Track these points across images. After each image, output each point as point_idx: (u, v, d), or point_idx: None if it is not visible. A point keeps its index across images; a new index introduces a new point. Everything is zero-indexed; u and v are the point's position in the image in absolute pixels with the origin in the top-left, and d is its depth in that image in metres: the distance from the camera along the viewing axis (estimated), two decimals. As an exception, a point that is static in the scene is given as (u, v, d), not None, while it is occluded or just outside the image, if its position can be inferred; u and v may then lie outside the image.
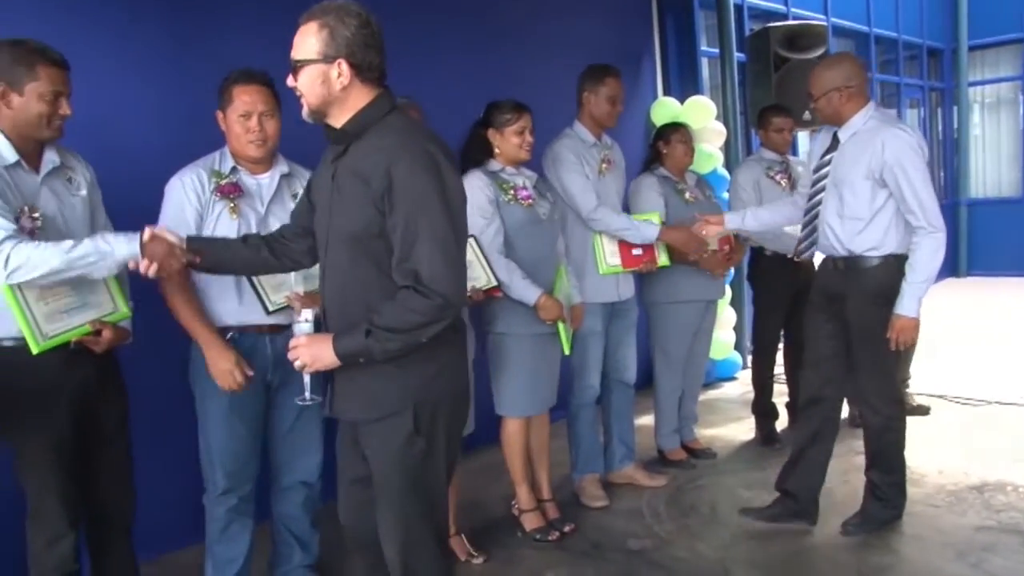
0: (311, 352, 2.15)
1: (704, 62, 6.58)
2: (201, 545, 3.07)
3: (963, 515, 3.66)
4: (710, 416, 5.25)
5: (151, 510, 2.92)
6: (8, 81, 2.41)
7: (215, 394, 2.81)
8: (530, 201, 3.52)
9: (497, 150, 3.51)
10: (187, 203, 2.80)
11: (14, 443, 2.50)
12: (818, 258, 3.60)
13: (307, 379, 2.28)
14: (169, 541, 3.44)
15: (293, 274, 2.77)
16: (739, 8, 7.10)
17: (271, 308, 2.81)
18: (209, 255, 2.44)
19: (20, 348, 2.41)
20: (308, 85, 2.11)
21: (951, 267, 10.79)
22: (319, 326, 2.24)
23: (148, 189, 2.88)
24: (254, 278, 2.78)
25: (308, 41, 2.09)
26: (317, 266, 2.89)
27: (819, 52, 5.45)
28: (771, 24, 5.59)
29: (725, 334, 5.98)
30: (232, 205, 2.84)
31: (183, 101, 3.47)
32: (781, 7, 7.94)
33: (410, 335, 2.05)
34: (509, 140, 3.47)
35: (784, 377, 4.91)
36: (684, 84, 6.26)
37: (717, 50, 6.44)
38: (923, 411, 5.11)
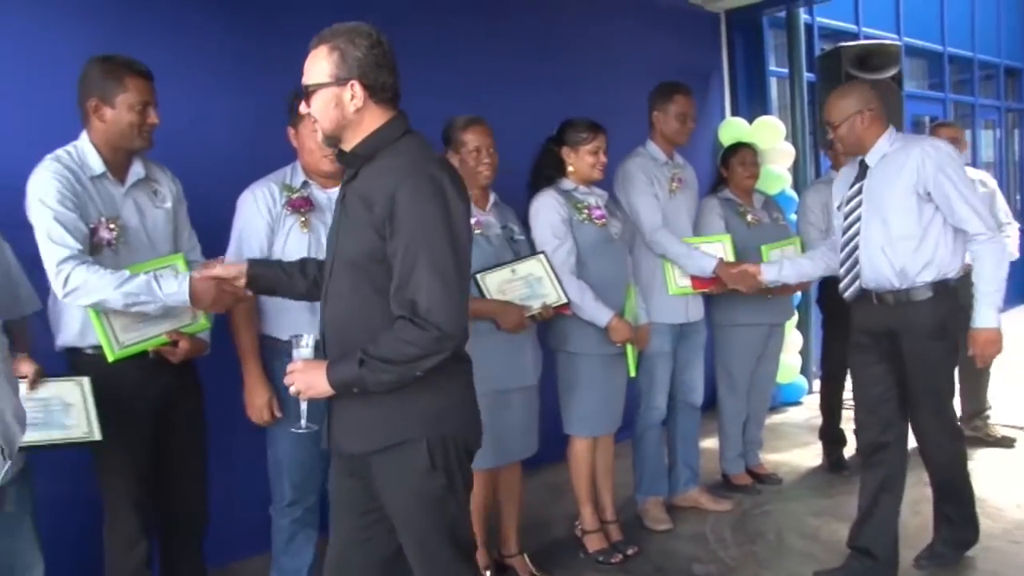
0: (305, 379, 2.08)
1: (772, 82, 6.53)
2: (266, 555, 3.11)
3: (1044, 552, 3.53)
4: (775, 441, 5.17)
5: (219, 520, 2.95)
6: (100, 95, 2.53)
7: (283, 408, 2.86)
8: (603, 220, 3.51)
9: (570, 168, 3.52)
10: (259, 216, 2.85)
11: (94, 450, 2.56)
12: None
13: (304, 406, 2.19)
14: (235, 551, 3.47)
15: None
16: (809, 28, 7.01)
17: None
18: (264, 281, 2.37)
19: (100, 357, 2.49)
20: (322, 109, 2.08)
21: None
22: (319, 352, 2.17)
23: (222, 202, 2.95)
24: None
25: (319, 65, 2.06)
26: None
27: (892, 72, 5.35)
28: (843, 44, 5.50)
29: (791, 358, 5.89)
30: (303, 219, 2.89)
31: (253, 115, 3.53)
32: (852, 26, 7.84)
33: (405, 367, 1.98)
34: (583, 159, 3.48)
35: (852, 403, 4.79)
36: (752, 104, 6.21)
37: (786, 70, 6.38)
38: (1007, 443, 4.91)
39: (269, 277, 2.36)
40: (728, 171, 4.31)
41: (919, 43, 8.95)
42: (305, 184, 2.94)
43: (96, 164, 2.56)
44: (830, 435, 4.76)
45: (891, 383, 3.26)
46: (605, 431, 3.64)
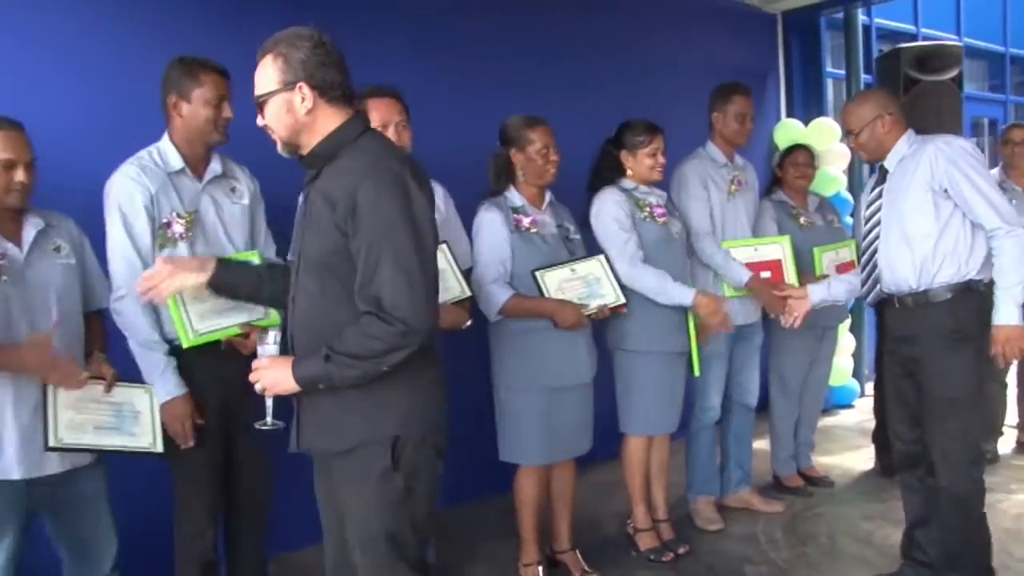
0: (271, 375, 2.07)
1: (829, 83, 6.49)
2: (318, 545, 3.17)
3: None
4: (827, 444, 5.15)
5: (278, 507, 3.03)
6: (178, 92, 2.67)
7: None
8: (665, 219, 3.55)
9: (629, 171, 3.55)
10: None
11: (167, 439, 2.63)
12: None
13: (269, 403, 2.16)
14: (287, 541, 3.53)
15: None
16: (867, 28, 6.95)
17: None
18: (227, 283, 2.34)
19: (176, 347, 2.60)
20: (275, 117, 2.07)
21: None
22: (285, 350, 2.16)
23: (285, 198, 3.00)
24: None
25: (266, 74, 2.06)
26: (448, 278, 3.01)
27: (952, 73, 5.29)
28: (902, 45, 5.45)
29: (843, 361, 5.86)
30: None
31: None
32: (911, 27, 7.77)
33: (370, 362, 1.97)
34: (642, 161, 3.51)
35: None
36: (808, 106, 6.19)
37: (843, 71, 6.34)
38: None
39: (232, 279, 2.34)
40: (782, 173, 4.32)
41: (980, 44, 8.82)
42: None
43: (175, 161, 2.68)
44: (882, 438, 4.71)
45: (917, 394, 3.12)
46: (661, 431, 3.67)
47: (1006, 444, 5.01)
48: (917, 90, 5.27)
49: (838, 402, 6.04)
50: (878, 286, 3.18)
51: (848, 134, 3.23)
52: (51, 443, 2.40)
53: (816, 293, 3.49)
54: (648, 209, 3.52)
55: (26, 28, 3.15)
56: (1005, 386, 4.89)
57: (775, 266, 3.82)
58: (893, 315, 3.17)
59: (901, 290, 3.09)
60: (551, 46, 4.64)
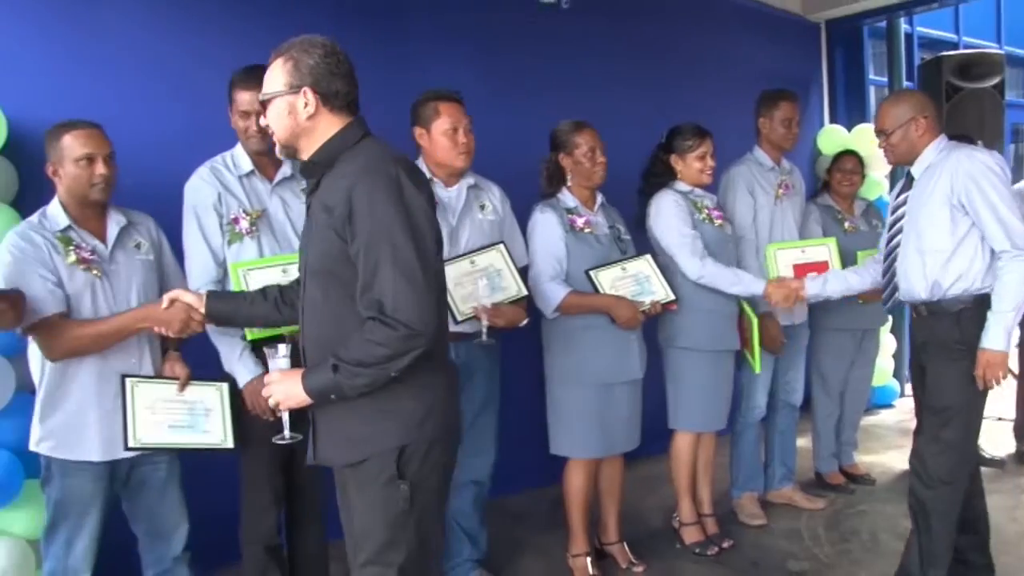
0: (282, 389, 2.07)
1: (871, 90, 6.54)
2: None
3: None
4: (868, 443, 5.20)
5: (331, 496, 3.14)
6: (232, 108, 2.85)
7: None
8: (721, 221, 3.65)
9: (679, 174, 3.64)
10: None
11: (235, 427, 2.76)
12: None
13: (285, 417, 2.18)
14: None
15: (481, 285, 2.99)
16: (908, 37, 6.99)
17: (459, 318, 3.00)
18: (220, 313, 2.47)
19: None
20: (276, 118, 2.08)
21: None
22: (298, 363, 2.15)
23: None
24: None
25: (274, 76, 2.07)
26: (506, 277, 3.12)
27: (994, 81, 5.34)
28: (944, 53, 5.50)
29: (884, 361, 5.91)
30: None
31: (382, 117, 3.66)
32: (952, 36, 7.79)
33: (378, 368, 1.94)
34: (691, 165, 3.60)
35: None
36: (851, 112, 6.26)
37: (885, 79, 6.40)
38: None
39: (227, 312, 2.46)
40: (830, 177, 4.41)
41: (1020, 52, 8.80)
42: (430, 182, 3.13)
43: (245, 164, 2.86)
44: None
45: None
46: (709, 428, 3.75)
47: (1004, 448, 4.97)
48: (959, 98, 5.33)
49: (879, 402, 6.09)
50: (896, 293, 3.18)
51: (880, 133, 3.16)
52: (131, 443, 2.54)
53: (811, 287, 3.57)
54: (706, 211, 3.62)
55: (116, 40, 3.32)
56: None
57: (822, 267, 3.88)
58: (912, 322, 3.22)
59: (915, 299, 3.08)
60: (602, 54, 4.76)
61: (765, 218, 3.93)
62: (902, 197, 3.15)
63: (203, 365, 2.78)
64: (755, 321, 3.64)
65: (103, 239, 2.65)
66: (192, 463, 2.81)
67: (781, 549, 3.77)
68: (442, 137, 3.07)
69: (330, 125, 2.07)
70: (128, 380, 2.55)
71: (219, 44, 3.46)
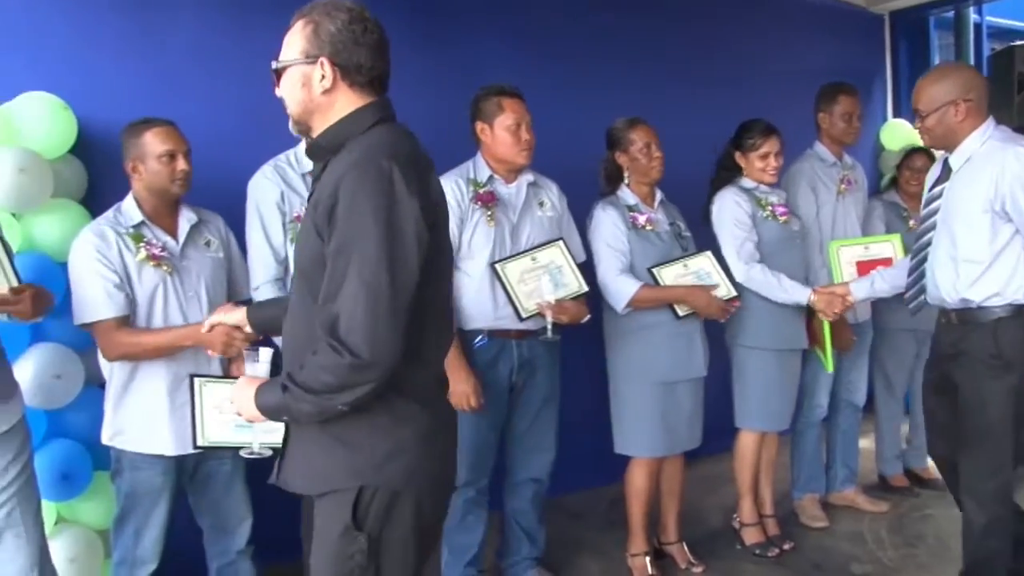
0: (239, 397, 1.82)
1: (937, 83, 6.38)
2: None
3: None
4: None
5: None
6: None
7: None
8: (786, 217, 3.60)
9: (745, 171, 3.61)
10: (449, 211, 3.03)
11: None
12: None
13: (254, 428, 2.04)
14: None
15: (544, 282, 2.98)
16: (977, 27, 6.81)
17: (524, 315, 3.01)
18: (263, 324, 2.28)
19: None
20: (289, 90, 1.82)
21: None
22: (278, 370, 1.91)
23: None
24: (508, 285, 2.99)
25: (293, 41, 1.82)
26: (567, 273, 3.11)
27: (1070, 72, 5.18)
28: (1016, 43, 5.34)
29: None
30: (489, 213, 3.08)
31: (447, 114, 3.55)
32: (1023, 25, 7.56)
33: (323, 398, 1.64)
34: (753, 163, 3.57)
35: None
36: (916, 106, 6.09)
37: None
38: None
39: (267, 319, 2.24)
40: (899, 174, 4.34)
41: (1095, 41, 8.53)
42: (491, 179, 3.13)
43: (308, 163, 2.85)
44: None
45: (949, 416, 2.91)
46: (774, 427, 3.71)
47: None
48: (1031, 88, 5.18)
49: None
50: (923, 296, 2.94)
51: (915, 113, 2.87)
52: (199, 442, 2.58)
53: (858, 290, 3.41)
54: (770, 208, 3.58)
55: (180, 39, 3.38)
56: None
57: (886, 264, 3.76)
58: (940, 327, 2.94)
59: (944, 304, 2.85)
60: (661, 50, 4.72)
61: (827, 214, 3.87)
62: (937, 189, 2.86)
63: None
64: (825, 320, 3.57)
65: (174, 235, 2.71)
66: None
67: (843, 552, 3.70)
68: (504, 133, 3.06)
69: (348, 103, 1.80)
70: (196, 380, 2.59)
71: (279, 41, 3.49)
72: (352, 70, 1.77)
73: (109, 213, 2.66)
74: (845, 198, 3.92)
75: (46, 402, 2.75)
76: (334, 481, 1.74)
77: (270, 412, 1.76)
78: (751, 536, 3.72)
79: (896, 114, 6.09)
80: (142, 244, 2.61)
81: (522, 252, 3.09)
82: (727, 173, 3.62)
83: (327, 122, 1.81)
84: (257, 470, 2.83)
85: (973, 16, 6.44)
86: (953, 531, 3.83)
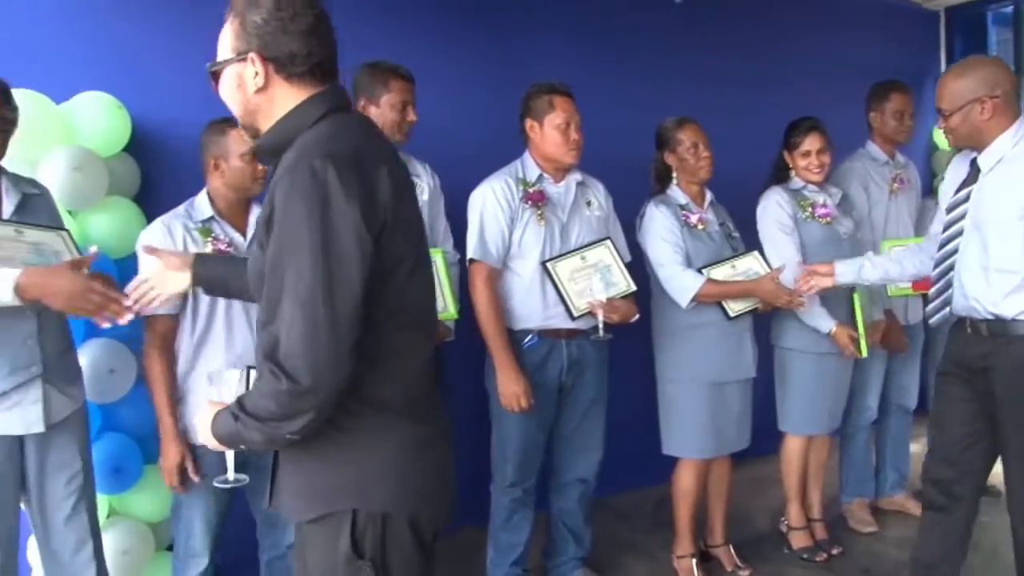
0: (200, 424, 1.68)
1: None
2: (481, 528, 3.31)
3: None
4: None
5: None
6: (368, 96, 2.89)
7: None
8: (828, 219, 3.52)
9: (794, 170, 3.57)
10: (500, 210, 3.03)
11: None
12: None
13: (228, 456, 1.85)
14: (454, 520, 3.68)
15: (595, 280, 2.97)
16: (1036, 23, 6.65)
17: (576, 314, 3.01)
18: (209, 277, 2.11)
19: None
20: (227, 92, 1.67)
21: None
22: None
23: (464, 194, 3.17)
24: (560, 283, 2.99)
25: (223, 39, 1.66)
26: (615, 273, 3.10)
27: None
28: (1077, 40, 5.23)
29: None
30: (539, 212, 3.07)
31: (499, 112, 3.55)
32: (1084, 21, 7.35)
33: (269, 426, 1.52)
34: (797, 162, 3.53)
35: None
36: (972, 105, 5.97)
37: (1011, 68, 6.10)
38: None
39: (214, 276, 2.09)
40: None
41: None
42: (540, 178, 3.12)
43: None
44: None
45: (980, 428, 2.70)
46: (819, 431, 3.66)
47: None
48: (1093, 88, 5.05)
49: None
50: (947, 308, 2.71)
51: (938, 111, 2.67)
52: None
53: (843, 274, 3.16)
54: (810, 209, 3.52)
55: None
56: None
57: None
58: (965, 339, 2.69)
59: (973, 315, 2.63)
60: (713, 49, 4.67)
61: (880, 213, 3.82)
62: (964, 192, 2.64)
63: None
64: (857, 303, 3.49)
65: (243, 232, 2.73)
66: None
67: (893, 558, 3.64)
68: (554, 131, 3.05)
69: (289, 98, 1.62)
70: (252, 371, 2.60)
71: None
72: (286, 61, 1.60)
73: (181, 208, 2.68)
74: (897, 197, 3.86)
75: (101, 396, 2.79)
76: (323, 505, 1.63)
77: (225, 441, 1.63)
78: (798, 540, 3.69)
79: (951, 113, 5.97)
80: (210, 239, 2.63)
81: (571, 251, 3.09)
82: (781, 173, 3.58)
83: (271, 121, 1.64)
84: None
85: (1033, 11, 6.30)
86: (1005, 539, 3.75)
